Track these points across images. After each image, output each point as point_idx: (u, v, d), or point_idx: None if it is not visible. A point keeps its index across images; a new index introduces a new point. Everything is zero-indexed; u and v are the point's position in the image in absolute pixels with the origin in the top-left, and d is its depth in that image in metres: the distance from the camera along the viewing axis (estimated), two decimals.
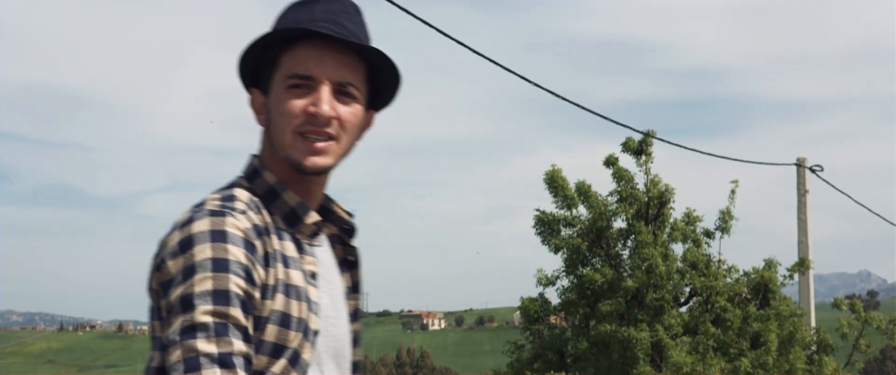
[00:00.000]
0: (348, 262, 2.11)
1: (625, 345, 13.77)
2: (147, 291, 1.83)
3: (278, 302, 1.79)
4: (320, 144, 1.89)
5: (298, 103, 1.88)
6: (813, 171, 17.96)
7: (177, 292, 1.71)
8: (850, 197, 19.56)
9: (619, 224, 15.22)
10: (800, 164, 17.88)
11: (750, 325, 14.60)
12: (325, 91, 1.89)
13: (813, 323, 16.56)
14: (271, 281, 1.79)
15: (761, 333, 14.52)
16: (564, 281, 15.17)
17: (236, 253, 1.73)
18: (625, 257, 15.13)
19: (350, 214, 2.09)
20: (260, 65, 1.97)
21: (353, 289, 2.11)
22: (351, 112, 1.92)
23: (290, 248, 1.87)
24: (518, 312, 15.93)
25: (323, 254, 1.98)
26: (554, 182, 15.03)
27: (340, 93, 1.91)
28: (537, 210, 15.17)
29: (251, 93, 2.00)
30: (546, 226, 15.11)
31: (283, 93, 1.90)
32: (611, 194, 15.16)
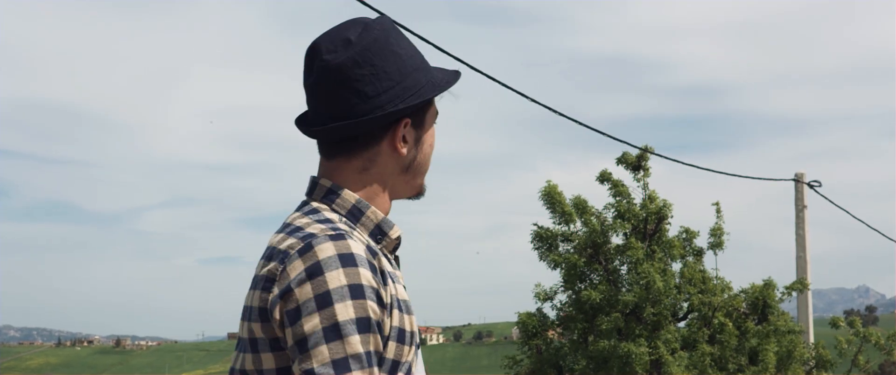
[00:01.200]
0: None
1: (624, 361, 13.75)
2: (254, 322, 1.78)
3: (396, 318, 1.79)
4: None
5: None
6: (811, 187, 17.95)
7: (314, 321, 1.68)
8: (848, 212, 19.57)
9: (617, 240, 15.22)
10: (798, 180, 17.89)
11: (748, 341, 14.59)
12: None
13: (811, 339, 16.54)
14: (388, 299, 1.78)
15: (759, 349, 14.51)
16: (562, 297, 15.16)
17: (368, 277, 1.72)
18: (623, 273, 15.12)
19: (399, 239, 2.12)
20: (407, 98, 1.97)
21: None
22: None
23: (386, 264, 1.86)
24: (516, 327, 15.89)
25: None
26: (551, 198, 15.03)
27: None
28: (535, 225, 15.17)
29: (402, 124, 1.95)
30: (544, 242, 15.10)
31: (432, 129, 2.03)
32: (606, 208, 15.15)
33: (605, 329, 14.15)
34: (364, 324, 1.68)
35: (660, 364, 13.98)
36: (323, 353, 1.66)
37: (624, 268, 15.08)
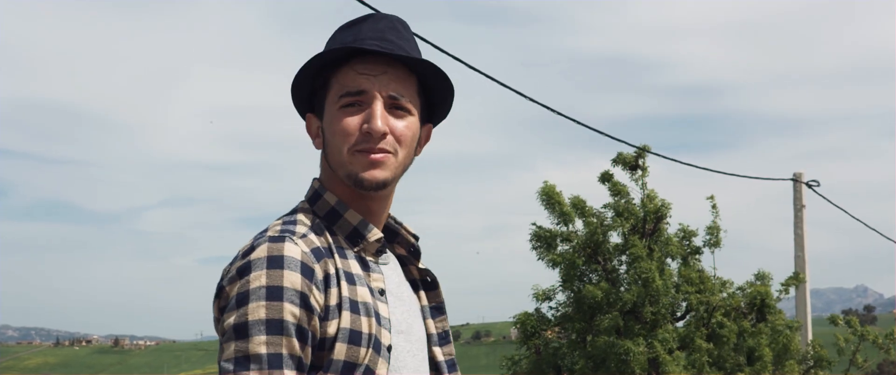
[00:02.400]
0: (426, 283, 2.10)
1: (622, 359, 13.75)
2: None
3: (345, 320, 1.77)
4: (377, 157, 1.87)
5: (353, 121, 1.88)
6: (809, 186, 17.97)
7: (230, 319, 1.71)
8: (846, 212, 19.59)
9: (616, 238, 15.22)
10: (796, 179, 17.90)
11: (746, 340, 14.59)
12: (378, 106, 1.88)
13: (809, 338, 16.56)
14: (334, 302, 1.78)
15: (756, 348, 14.51)
16: (561, 296, 15.16)
17: (292, 280, 1.72)
18: (622, 272, 15.12)
19: (415, 237, 2.09)
20: (313, 90, 1.97)
21: (439, 310, 2.10)
22: (405, 126, 1.92)
23: (354, 266, 1.86)
24: (515, 327, 15.88)
25: (390, 272, 1.97)
26: (549, 197, 15.03)
27: (394, 108, 1.91)
28: (534, 225, 15.17)
29: (307, 119, 2.01)
30: (542, 241, 15.10)
31: (337, 112, 1.90)
32: (605, 207, 15.14)
33: (605, 327, 14.15)
34: (274, 326, 1.68)
35: (657, 363, 13.99)
36: (229, 349, 1.68)
37: (623, 267, 15.08)
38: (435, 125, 2.08)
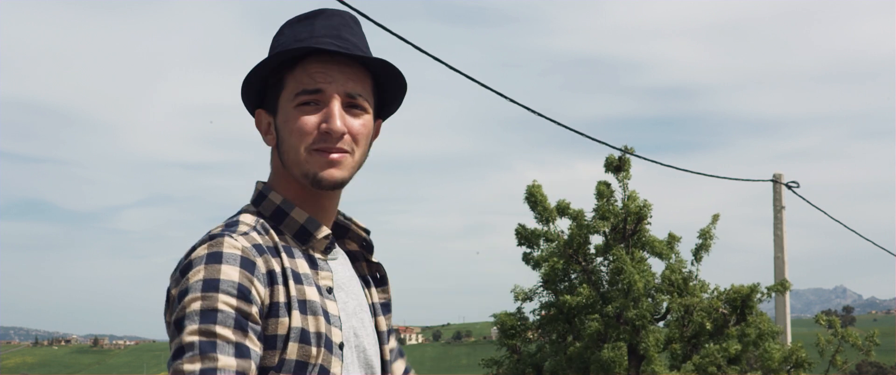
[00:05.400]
0: (376, 279, 2.10)
1: (604, 365, 13.77)
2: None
3: (295, 320, 1.77)
4: (335, 156, 1.87)
5: (310, 120, 1.87)
6: (789, 187, 18.00)
7: (172, 317, 1.72)
8: (826, 213, 19.62)
9: (598, 240, 15.25)
10: (776, 180, 17.93)
11: (727, 342, 14.62)
12: (336, 105, 1.88)
13: (789, 340, 16.60)
14: (282, 299, 1.77)
15: (738, 350, 14.55)
16: (543, 298, 15.17)
17: (228, 272, 1.72)
18: (603, 273, 15.15)
19: (367, 231, 2.08)
20: (264, 87, 1.95)
21: (386, 308, 2.09)
22: (362, 124, 1.92)
23: (302, 265, 1.86)
24: (495, 327, 15.89)
25: (339, 268, 1.96)
26: (533, 198, 15.04)
27: (350, 106, 1.91)
28: (520, 225, 15.21)
29: (256, 115, 1.99)
30: (526, 241, 15.13)
31: (293, 111, 1.88)
32: (594, 211, 15.18)
33: (586, 335, 14.19)
34: (207, 316, 1.68)
35: (639, 363, 14.02)
36: (172, 346, 1.69)
37: (604, 270, 15.12)
38: (383, 120, 2.07)
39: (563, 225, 15.19)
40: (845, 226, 20.59)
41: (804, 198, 18.47)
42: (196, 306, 1.68)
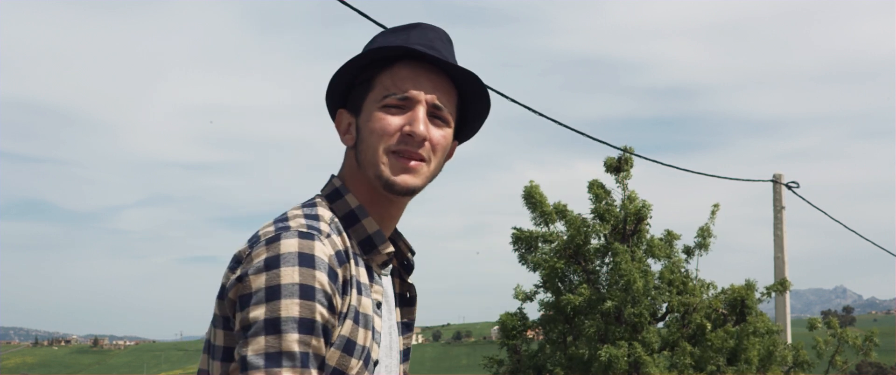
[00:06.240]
0: (404, 298, 2.09)
1: (605, 365, 13.75)
2: (217, 299, 1.80)
3: (346, 328, 1.77)
4: (413, 163, 1.87)
5: (394, 121, 1.87)
6: (789, 188, 18.00)
7: (259, 311, 1.68)
8: (826, 213, 19.62)
9: (597, 241, 15.21)
10: (776, 181, 17.93)
11: (727, 342, 14.61)
12: (422, 111, 1.88)
13: (789, 340, 16.60)
14: (345, 309, 1.77)
15: (738, 350, 14.53)
16: (542, 297, 15.14)
17: (322, 281, 1.71)
18: (603, 273, 15.12)
19: (412, 252, 2.07)
20: (350, 87, 1.96)
21: (408, 328, 2.09)
22: (442, 135, 1.92)
23: (363, 275, 1.85)
24: (496, 327, 15.90)
25: (387, 285, 1.96)
26: (531, 198, 15.02)
27: (434, 117, 1.91)
28: (515, 228, 15.16)
29: (338, 114, 1.99)
30: (523, 243, 15.09)
31: (378, 112, 1.88)
32: (591, 212, 15.15)
33: (587, 334, 14.17)
34: (306, 325, 1.67)
35: (639, 364, 14.00)
36: (259, 343, 1.65)
37: (604, 270, 15.10)
38: (461, 143, 2.08)
39: (561, 226, 15.16)
40: (845, 226, 20.60)
41: (804, 198, 18.48)
42: (295, 312, 1.67)
